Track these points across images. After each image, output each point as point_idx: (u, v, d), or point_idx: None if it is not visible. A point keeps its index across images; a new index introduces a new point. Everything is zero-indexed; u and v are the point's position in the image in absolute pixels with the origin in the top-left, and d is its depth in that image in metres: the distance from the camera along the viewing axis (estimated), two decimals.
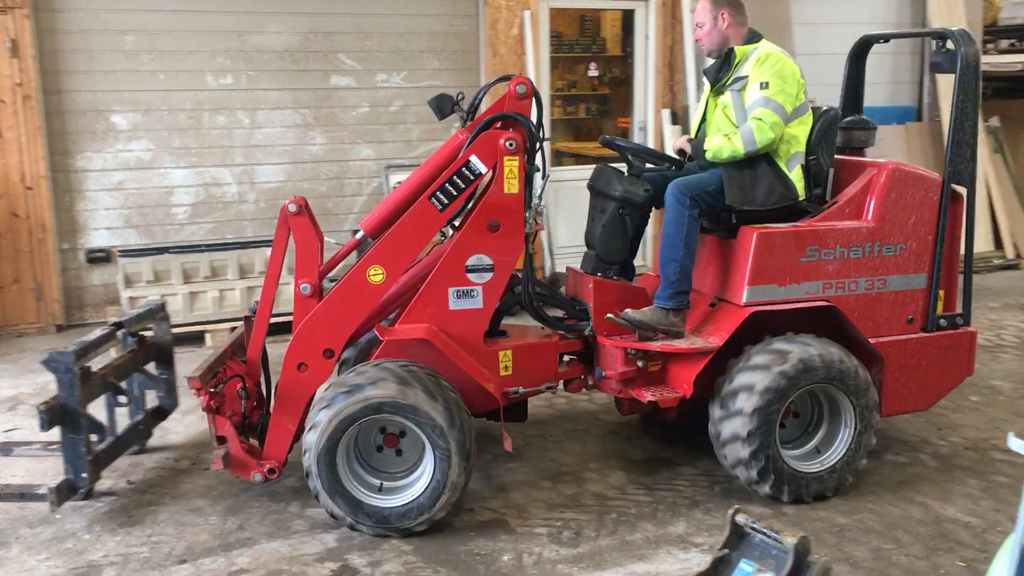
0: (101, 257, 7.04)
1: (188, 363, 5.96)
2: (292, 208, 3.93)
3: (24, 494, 4.03)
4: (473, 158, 3.89)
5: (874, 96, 8.96)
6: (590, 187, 4.49)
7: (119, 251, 6.74)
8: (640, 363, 4.14)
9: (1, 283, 6.74)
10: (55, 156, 6.81)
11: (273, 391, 4.14)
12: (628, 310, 4.10)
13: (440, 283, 3.94)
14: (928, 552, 3.60)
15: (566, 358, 4.44)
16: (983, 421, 4.90)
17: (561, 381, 4.37)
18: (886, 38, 4.86)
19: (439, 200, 3.89)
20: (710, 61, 4.41)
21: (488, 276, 3.96)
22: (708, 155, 4.15)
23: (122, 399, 4.38)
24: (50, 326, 6.89)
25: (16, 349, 6.51)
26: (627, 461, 4.49)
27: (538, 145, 4.08)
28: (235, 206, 7.38)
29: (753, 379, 3.86)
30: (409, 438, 3.79)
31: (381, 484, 3.79)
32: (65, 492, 3.87)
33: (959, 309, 4.38)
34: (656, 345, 4.06)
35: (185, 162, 7.19)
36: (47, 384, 5.72)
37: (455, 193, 3.89)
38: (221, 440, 3.81)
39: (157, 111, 7.08)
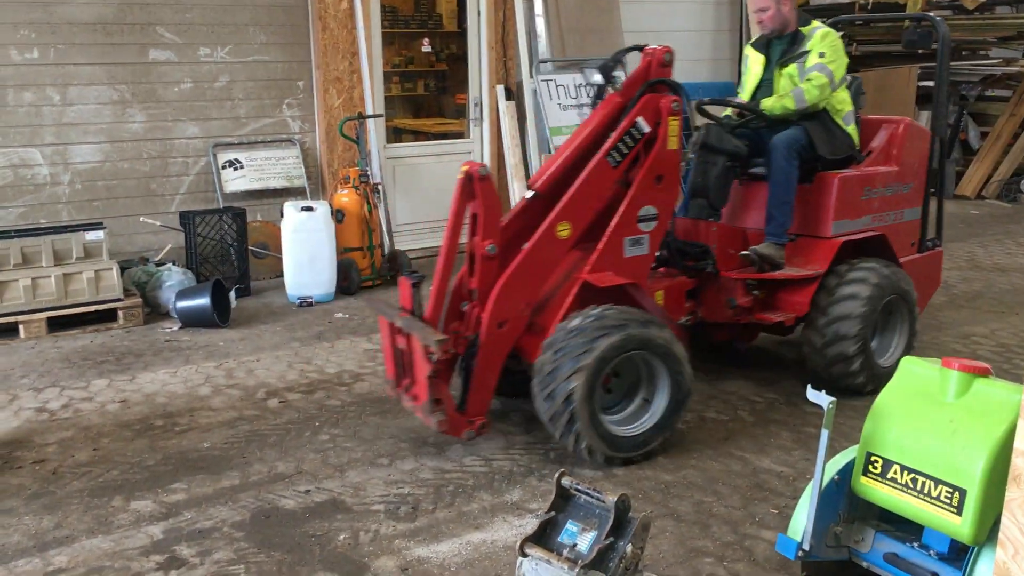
0: None
1: (0, 357, 5.62)
2: (482, 172, 4.06)
3: None
4: (639, 119, 4.36)
5: (696, 73, 9.37)
6: (702, 144, 4.79)
7: None
8: (755, 292, 4.84)
9: None
10: None
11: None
12: (756, 247, 4.81)
13: (617, 234, 4.32)
14: (745, 502, 3.82)
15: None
16: (798, 376, 5.21)
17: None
18: (865, 21, 5.63)
19: (612, 158, 4.33)
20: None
21: (653, 225, 4.43)
22: (766, 111, 4.93)
23: None
24: None
25: None
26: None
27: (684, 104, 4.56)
28: (47, 188, 6.93)
29: (857, 289, 4.72)
30: (624, 376, 4.20)
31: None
32: None
33: (932, 234, 5.62)
34: (781, 274, 4.79)
35: None
36: None
37: (625, 151, 4.36)
38: (437, 403, 3.96)
39: None
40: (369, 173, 7.48)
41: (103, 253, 6.45)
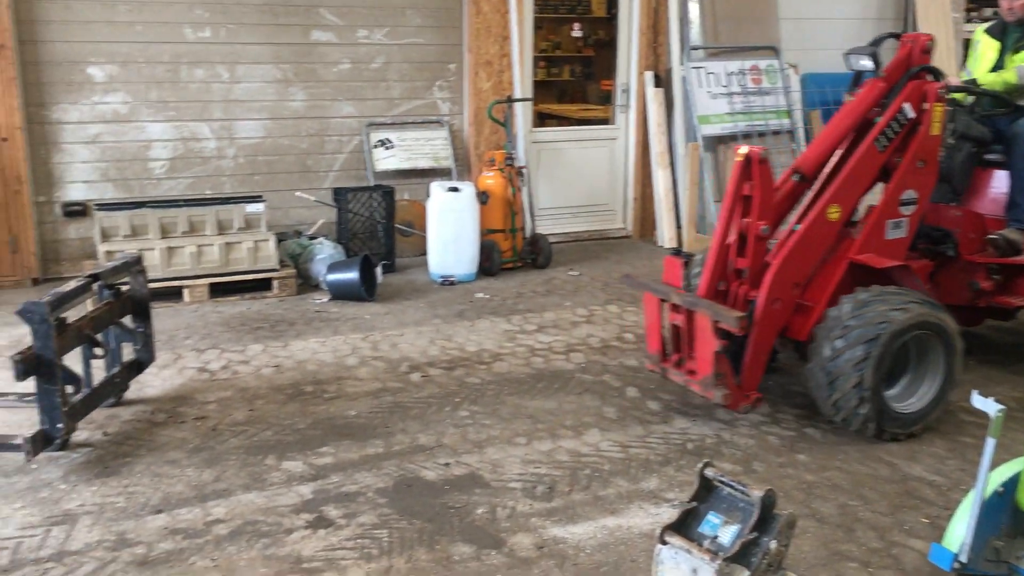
0: (78, 211, 6.98)
1: (165, 319, 5.98)
2: (763, 155, 4.24)
3: None
4: (906, 105, 4.54)
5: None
6: (952, 131, 4.92)
7: (96, 205, 6.67)
8: (995, 276, 4.96)
9: None
10: (30, 107, 6.71)
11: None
12: (1002, 231, 4.97)
13: (882, 217, 4.53)
14: (893, 509, 3.67)
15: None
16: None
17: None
18: None
19: (880, 143, 4.51)
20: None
21: (912, 208, 4.62)
22: (986, 86, 5.15)
23: (98, 351, 4.37)
24: (26, 279, 6.84)
25: None
26: (602, 419, 4.54)
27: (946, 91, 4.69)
28: (214, 161, 7.32)
29: None
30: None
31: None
32: (40, 442, 3.88)
33: None
34: None
35: (163, 116, 7.11)
36: (23, 337, 5.69)
37: (892, 136, 4.54)
38: (719, 377, 4.14)
39: (134, 63, 6.98)
40: (514, 156, 7.55)
41: (262, 225, 6.79)
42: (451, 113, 7.97)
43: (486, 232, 7.24)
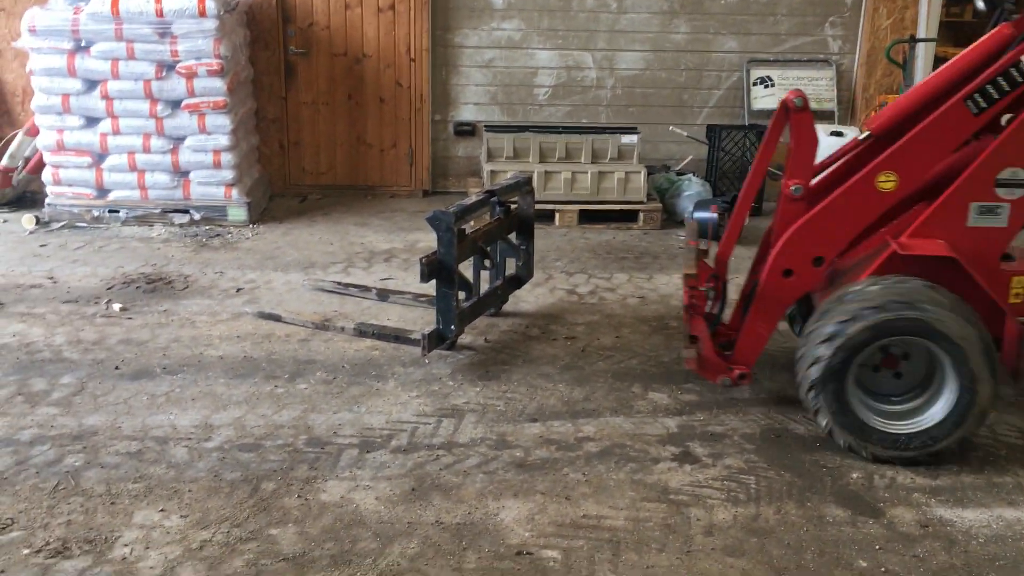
0: (467, 131, 7.48)
1: (537, 239, 6.26)
2: (798, 102, 3.63)
3: (398, 336, 4.48)
4: None
5: None
6: None
7: (484, 126, 7.10)
8: None
9: (382, 146, 7.40)
10: (437, 31, 7.24)
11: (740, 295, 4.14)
12: None
13: (962, 196, 3.54)
14: None
15: None
16: None
17: None
18: None
19: (975, 103, 3.49)
20: None
21: (1020, 192, 3.52)
22: None
23: (487, 263, 4.68)
24: (418, 191, 7.49)
25: (389, 209, 7.16)
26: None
27: None
28: (592, 91, 7.47)
29: None
30: (912, 362, 3.55)
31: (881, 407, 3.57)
32: (434, 340, 4.24)
33: None
34: None
35: (551, 44, 7.36)
36: (416, 242, 6.27)
37: (996, 96, 3.47)
38: (693, 340, 3.79)
39: None
40: None
41: (634, 157, 6.85)
42: (841, 52, 7.46)
43: None
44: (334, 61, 7.17)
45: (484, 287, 4.71)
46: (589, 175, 6.74)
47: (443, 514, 3.14)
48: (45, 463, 3.39)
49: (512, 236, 4.90)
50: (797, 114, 3.66)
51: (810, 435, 3.74)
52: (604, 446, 3.63)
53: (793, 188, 3.71)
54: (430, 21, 7.14)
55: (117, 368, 4.21)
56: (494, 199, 4.64)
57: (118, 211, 6.46)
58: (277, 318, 4.85)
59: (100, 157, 6.37)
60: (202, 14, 6.07)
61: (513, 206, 4.85)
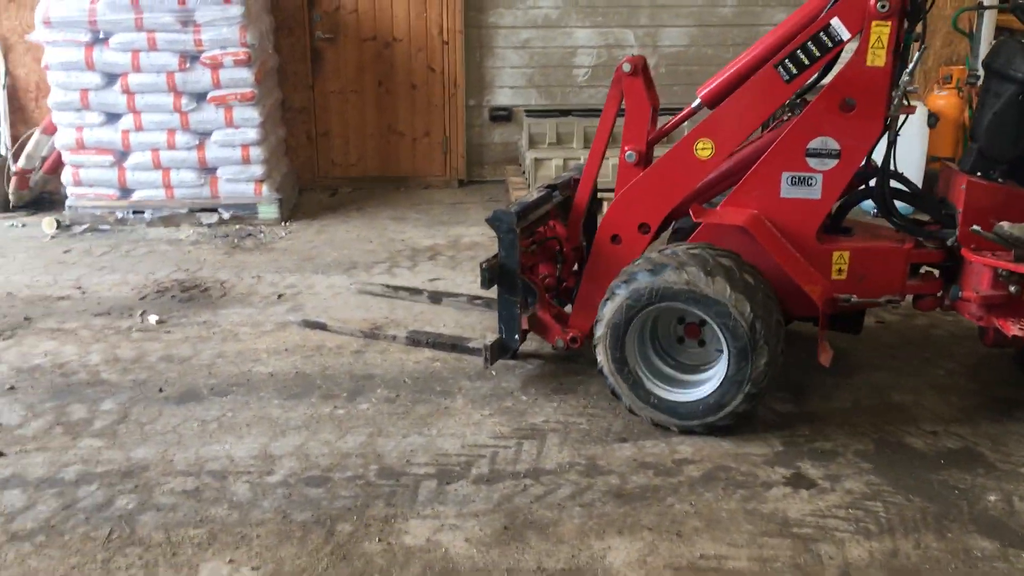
0: (503, 115, 7.11)
1: None
2: (627, 68, 3.68)
3: (455, 346, 4.14)
4: (835, 21, 3.32)
5: None
6: (986, 65, 3.68)
7: (525, 111, 6.73)
8: (1012, 288, 3.40)
9: (414, 135, 7.03)
10: (470, 11, 6.85)
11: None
12: (1003, 223, 3.36)
13: (773, 166, 3.48)
14: None
15: (921, 269, 3.72)
16: None
17: (910, 295, 3.71)
18: None
19: (786, 69, 3.40)
20: None
21: (832, 163, 3.43)
22: None
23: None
24: (453, 180, 7.13)
25: (424, 201, 6.80)
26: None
27: (927, 6, 3.37)
28: None
29: None
30: (710, 332, 3.49)
31: (672, 374, 3.59)
32: (497, 351, 3.90)
33: None
34: None
35: (590, 21, 6.97)
36: (459, 237, 5.92)
37: (807, 62, 3.38)
38: (526, 299, 3.84)
39: None
40: (979, 74, 6.51)
41: None
42: None
43: (930, 159, 6.37)
44: (363, 46, 6.79)
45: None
46: None
47: (544, 558, 2.81)
48: (95, 506, 3.06)
49: None
50: (629, 80, 3.68)
51: (930, 450, 3.40)
52: (706, 469, 3.29)
53: (628, 155, 3.74)
54: (463, 0, 6.75)
55: (161, 390, 3.87)
56: (555, 194, 4.28)
57: (143, 212, 6.12)
58: (323, 327, 4.52)
59: (122, 155, 6.02)
60: (227, 0, 5.69)
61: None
